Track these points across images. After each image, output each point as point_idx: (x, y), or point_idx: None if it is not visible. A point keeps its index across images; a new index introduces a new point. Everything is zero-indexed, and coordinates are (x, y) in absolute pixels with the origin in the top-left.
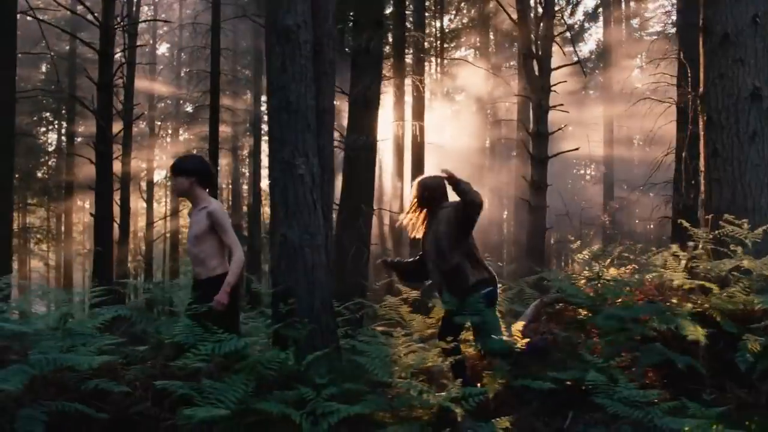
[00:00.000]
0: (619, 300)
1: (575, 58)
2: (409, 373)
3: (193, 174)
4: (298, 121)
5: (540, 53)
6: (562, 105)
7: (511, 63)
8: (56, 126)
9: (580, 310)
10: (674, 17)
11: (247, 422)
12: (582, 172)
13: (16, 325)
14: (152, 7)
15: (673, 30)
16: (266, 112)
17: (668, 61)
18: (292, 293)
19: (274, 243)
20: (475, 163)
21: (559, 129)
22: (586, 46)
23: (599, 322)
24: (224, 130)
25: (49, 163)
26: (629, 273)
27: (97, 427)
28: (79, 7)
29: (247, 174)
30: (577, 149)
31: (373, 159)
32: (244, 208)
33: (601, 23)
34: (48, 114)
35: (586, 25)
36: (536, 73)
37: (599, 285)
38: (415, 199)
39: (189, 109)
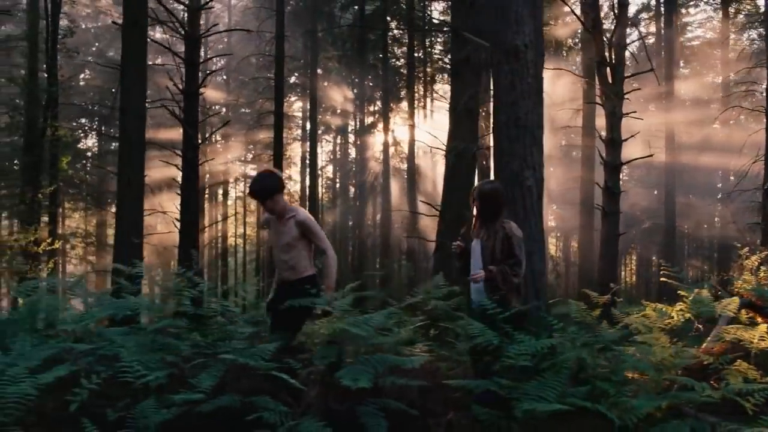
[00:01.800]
0: None
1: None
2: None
3: (281, 189)
4: (526, 136)
5: (613, 61)
6: (635, 112)
7: (552, 69)
8: (95, 130)
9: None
10: (716, 21)
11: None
12: None
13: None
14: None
15: (713, 35)
16: (492, 126)
17: (714, 66)
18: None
19: None
20: None
21: (632, 136)
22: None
23: None
24: (270, 135)
25: (87, 167)
26: None
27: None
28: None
29: (299, 179)
30: (651, 156)
31: (473, 166)
32: None
33: (642, 28)
34: (84, 120)
35: (627, 30)
36: (609, 80)
37: None
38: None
39: (226, 112)
